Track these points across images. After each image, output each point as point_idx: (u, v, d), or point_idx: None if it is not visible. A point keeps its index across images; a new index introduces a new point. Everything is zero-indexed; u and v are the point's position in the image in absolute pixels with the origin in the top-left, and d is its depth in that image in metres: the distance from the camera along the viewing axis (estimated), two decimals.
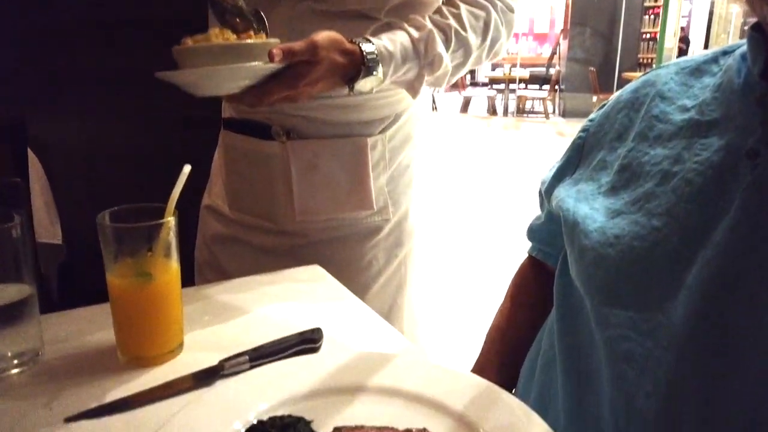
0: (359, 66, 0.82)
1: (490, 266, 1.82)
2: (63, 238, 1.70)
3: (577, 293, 0.65)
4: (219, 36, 0.74)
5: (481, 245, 1.84)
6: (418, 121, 1.11)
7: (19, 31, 1.61)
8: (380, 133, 1.02)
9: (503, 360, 0.82)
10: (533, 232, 0.84)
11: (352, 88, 0.84)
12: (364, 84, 0.84)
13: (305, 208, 1.01)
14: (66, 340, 0.70)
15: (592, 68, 9.57)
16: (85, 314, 0.76)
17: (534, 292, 0.85)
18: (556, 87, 10.67)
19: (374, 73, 0.84)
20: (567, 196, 0.68)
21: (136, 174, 1.61)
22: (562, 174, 0.74)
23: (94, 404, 0.57)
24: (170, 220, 0.61)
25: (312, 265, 0.95)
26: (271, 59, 0.73)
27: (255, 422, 0.52)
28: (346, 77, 0.83)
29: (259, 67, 0.73)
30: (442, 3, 0.95)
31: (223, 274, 1.06)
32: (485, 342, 0.86)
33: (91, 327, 0.72)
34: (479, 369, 0.81)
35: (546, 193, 0.76)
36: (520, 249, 0.90)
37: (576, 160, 0.72)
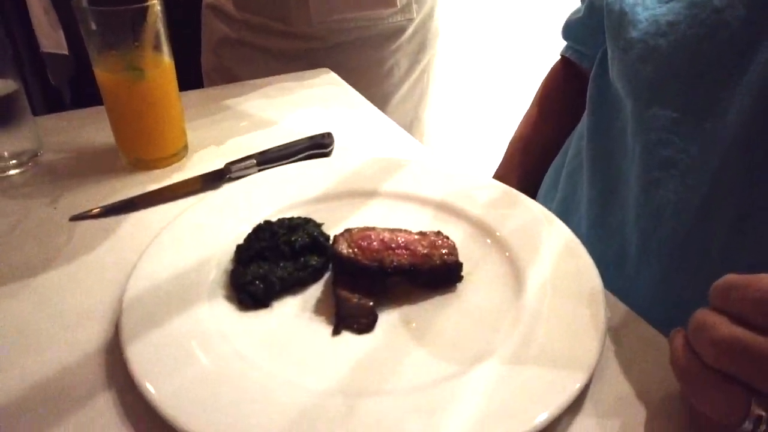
0: None
1: (518, 70, 1.70)
2: (69, 48, 1.64)
3: (615, 96, 0.58)
4: None
5: (509, 48, 1.70)
6: None
7: None
8: None
9: (526, 169, 0.78)
10: (569, 29, 0.75)
11: None
12: None
13: (320, 7, 0.91)
14: (67, 141, 0.67)
15: None
16: (85, 115, 0.72)
17: (563, 98, 0.79)
18: None
19: None
20: None
21: None
22: None
23: (99, 204, 0.56)
24: (155, 4, 0.54)
25: (323, 69, 0.87)
26: None
27: (262, 222, 0.50)
28: None
29: None
30: None
31: (232, 79, 1.00)
32: (507, 151, 0.81)
33: (92, 129, 0.69)
34: (499, 178, 0.77)
35: None
36: (553, 52, 0.81)
37: None
